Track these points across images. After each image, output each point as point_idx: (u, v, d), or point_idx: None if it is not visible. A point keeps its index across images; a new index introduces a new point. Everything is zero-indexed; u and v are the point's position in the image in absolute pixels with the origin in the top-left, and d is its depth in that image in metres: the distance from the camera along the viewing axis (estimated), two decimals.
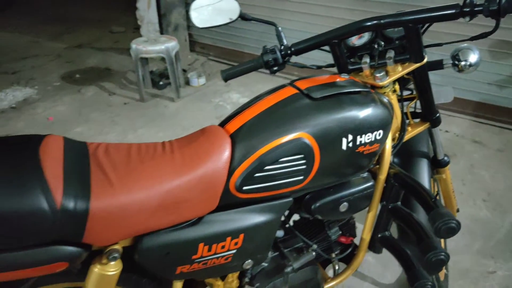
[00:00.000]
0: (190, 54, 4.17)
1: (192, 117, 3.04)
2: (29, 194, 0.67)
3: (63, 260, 0.73)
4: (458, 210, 1.53)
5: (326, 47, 1.08)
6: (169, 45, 3.07)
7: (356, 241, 1.23)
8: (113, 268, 0.82)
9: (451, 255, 1.72)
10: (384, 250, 1.70)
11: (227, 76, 1.10)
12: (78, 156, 0.79)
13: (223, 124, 0.95)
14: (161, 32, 3.89)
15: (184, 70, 3.68)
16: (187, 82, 3.55)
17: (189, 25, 4.09)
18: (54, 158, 0.74)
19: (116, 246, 0.81)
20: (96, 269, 0.81)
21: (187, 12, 3.98)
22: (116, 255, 0.81)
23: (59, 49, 4.51)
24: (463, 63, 1.06)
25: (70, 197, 0.70)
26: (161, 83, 3.46)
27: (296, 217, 1.24)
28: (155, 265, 0.86)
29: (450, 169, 2.25)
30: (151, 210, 0.78)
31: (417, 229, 1.05)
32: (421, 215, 1.13)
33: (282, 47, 1.05)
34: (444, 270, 1.54)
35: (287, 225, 1.18)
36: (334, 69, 1.12)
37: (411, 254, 1.13)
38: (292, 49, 1.05)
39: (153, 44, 3.06)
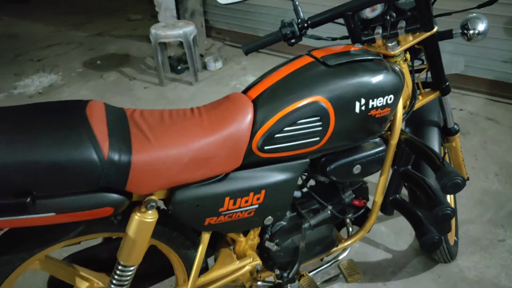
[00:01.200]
0: (206, 40, 4.26)
1: (209, 100, 3.11)
2: (81, 147, 0.78)
3: (109, 205, 0.84)
4: (467, 179, 1.58)
5: (341, 20, 1.15)
6: (187, 29, 3.16)
7: (369, 205, 1.31)
8: (151, 216, 0.92)
9: (463, 225, 1.80)
10: (396, 221, 1.78)
11: (248, 49, 1.18)
12: (118, 118, 0.89)
13: (245, 91, 1.04)
14: (178, 18, 3.98)
15: (201, 55, 3.77)
16: (204, 67, 3.64)
17: (205, 10, 4.17)
18: (99, 118, 0.85)
19: (153, 197, 0.92)
20: (136, 217, 0.91)
21: None
22: (153, 204, 0.91)
23: (81, 37, 4.66)
24: (471, 31, 1.11)
25: (115, 150, 0.81)
26: (179, 67, 3.56)
27: (312, 183, 1.33)
28: (186, 216, 0.97)
29: (463, 145, 2.30)
30: (184, 164, 0.88)
31: (425, 189, 1.12)
32: (430, 179, 1.21)
33: (299, 21, 1.12)
34: (454, 237, 1.61)
35: (304, 189, 1.27)
36: (349, 41, 1.19)
37: (421, 215, 1.21)
38: (309, 22, 1.12)
39: (172, 29, 3.16)
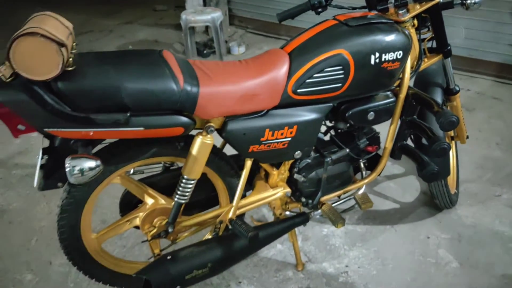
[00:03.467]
0: (229, 27, 4.52)
1: None
2: (165, 79, 1.05)
3: (181, 125, 1.11)
4: (467, 137, 1.81)
5: None
6: (215, 15, 3.43)
7: (380, 152, 1.55)
8: (210, 139, 1.19)
9: (463, 183, 2.03)
10: (404, 179, 2.01)
11: (282, 18, 1.45)
12: (185, 63, 1.16)
13: (282, 47, 1.30)
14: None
15: (225, 41, 4.04)
16: (229, 51, 3.91)
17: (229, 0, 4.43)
18: (173, 60, 1.12)
19: (212, 124, 1.19)
20: (198, 138, 1.18)
21: None
22: (212, 128, 1.18)
23: (111, 25, 4.97)
24: (469, 1, 1.34)
25: (188, 83, 1.08)
26: (205, 51, 3.84)
27: (333, 133, 1.58)
28: (235, 142, 1.23)
29: (469, 120, 2.51)
30: (236, 98, 1.15)
31: (427, 132, 1.37)
32: (432, 126, 1.44)
33: None
34: (454, 189, 1.84)
35: (327, 137, 1.52)
36: (366, 10, 1.44)
37: (424, 157, 1.45)
38: None
39: (200, 15, 3.43)
